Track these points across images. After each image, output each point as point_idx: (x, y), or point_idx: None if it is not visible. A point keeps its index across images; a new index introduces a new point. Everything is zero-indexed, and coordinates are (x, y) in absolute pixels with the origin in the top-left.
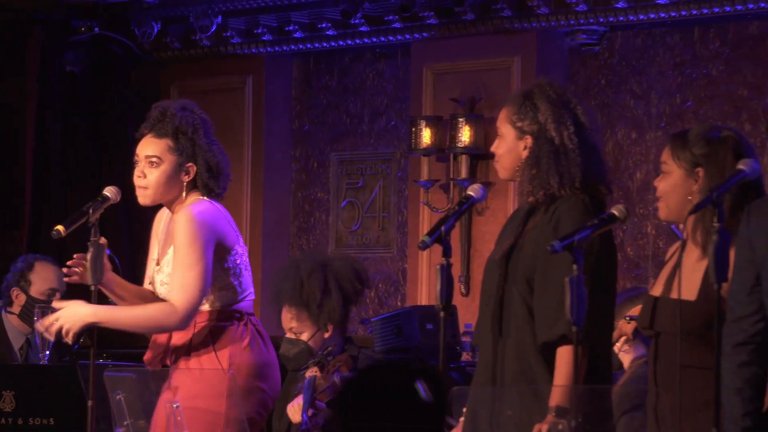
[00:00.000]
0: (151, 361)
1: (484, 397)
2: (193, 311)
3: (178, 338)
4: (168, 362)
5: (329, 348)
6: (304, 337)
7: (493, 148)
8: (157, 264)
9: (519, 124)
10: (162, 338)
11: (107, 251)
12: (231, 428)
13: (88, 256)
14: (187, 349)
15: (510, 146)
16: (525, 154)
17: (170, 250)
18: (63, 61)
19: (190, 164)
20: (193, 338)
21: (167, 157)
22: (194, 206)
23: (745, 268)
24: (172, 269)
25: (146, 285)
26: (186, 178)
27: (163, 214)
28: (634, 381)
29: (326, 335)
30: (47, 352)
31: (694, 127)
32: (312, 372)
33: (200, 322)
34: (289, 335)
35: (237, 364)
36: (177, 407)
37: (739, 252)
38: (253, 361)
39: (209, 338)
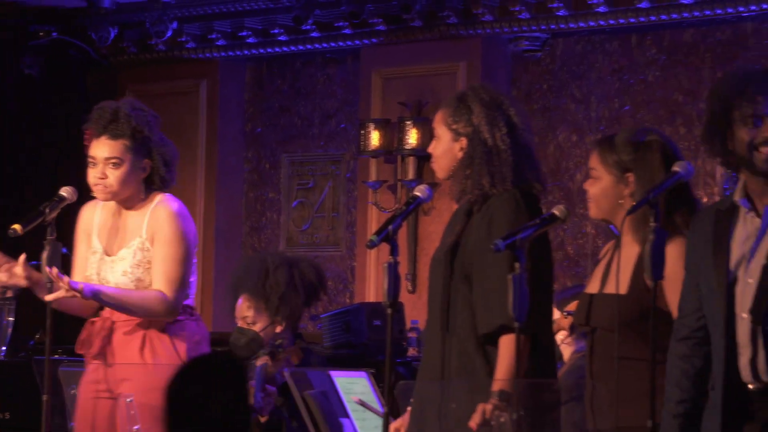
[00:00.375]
0: (97, 354)
1: (431, 393)
2: (180, 303)
3: (128, 331)
4: (112, 356)
5: (280, 341)
6: (257, 327)
7: (430, 149)
8: (108, 255)
9: (454, 127)
10: (104, 332)
11: (63, 249)
12: None
13: (45, 254)
14: (141, 342)
15: (446, 147)
16: (460, 155)
17: (135, 242)
18: (21, 64)
19: (146, 160)
20: (147, 331)
21: (126, 156)
22: (171, 204)
23: (690, 271)
24: (159, 262)
25: (81, 279)
26: (143, 174)
27: (95, 208)
28: (573, 373)
29: (278, 329)
30: (3, 348)
31: (619, 133)
32: (263, 360)
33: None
34: (241, 324)
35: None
36: (130, 401)
37: (687, 257)
38: None
39: (166, 332)
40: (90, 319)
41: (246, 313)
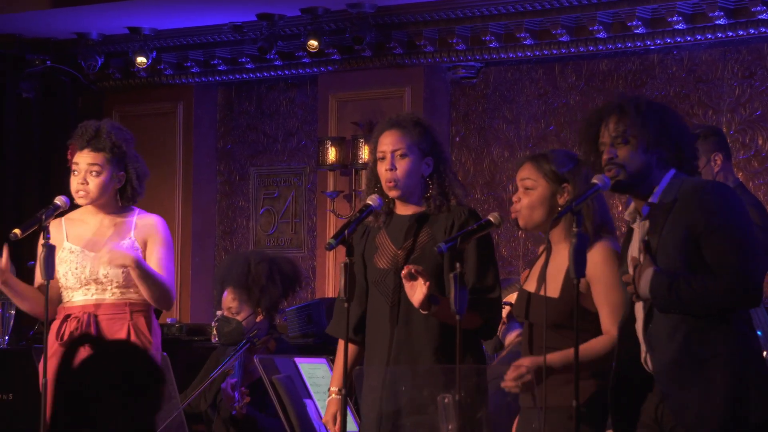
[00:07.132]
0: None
1: (395, 377)
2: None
3: (114, 322)
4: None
5: (255, 331)
6: (240, 317)
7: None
8: (92, 251)
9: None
10: (93, 323)
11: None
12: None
13: (41, 255)
14: (128, 334)
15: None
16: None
17: (125, 241)
18: (19, 89)
19: (122, 173)
20: (132, 324)
21: (106, 167)
22: (156, 217)
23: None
24: (159, 260)
25: (62, 275)
26: (119, 185)
27: (61, 223)
28: (507, 358)
29: (258, 319)
30: (6, 338)
31: (549, 150)
32: (244, 354)
33: (137, 310)
34: (226, 314)
35: (158, 347)
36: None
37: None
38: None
39: (146, 327)
40: (66, 315)
41: (230, 304)
